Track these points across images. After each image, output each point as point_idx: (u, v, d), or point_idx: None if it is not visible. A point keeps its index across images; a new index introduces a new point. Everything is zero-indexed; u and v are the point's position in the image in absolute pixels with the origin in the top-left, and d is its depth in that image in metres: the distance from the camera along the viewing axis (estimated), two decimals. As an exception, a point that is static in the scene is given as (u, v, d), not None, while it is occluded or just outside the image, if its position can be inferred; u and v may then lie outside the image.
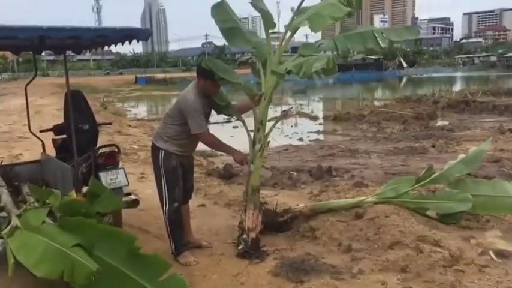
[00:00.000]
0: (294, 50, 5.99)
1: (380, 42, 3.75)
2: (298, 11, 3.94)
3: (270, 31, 3.98)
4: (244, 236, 3.86)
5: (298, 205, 4.70)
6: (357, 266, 3.57)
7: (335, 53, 3.82)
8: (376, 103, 21.13)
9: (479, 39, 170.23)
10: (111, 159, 4.29)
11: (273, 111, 10.17)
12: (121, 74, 77.16)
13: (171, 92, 32.27)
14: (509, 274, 3.36)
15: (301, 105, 21.85)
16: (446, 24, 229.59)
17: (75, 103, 4.42)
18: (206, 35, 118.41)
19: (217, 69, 3.63)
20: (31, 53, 5.32)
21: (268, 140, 3.92)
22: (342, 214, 4.46)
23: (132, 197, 4.41)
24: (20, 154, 8.57)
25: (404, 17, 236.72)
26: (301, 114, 17.08)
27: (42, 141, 4.97)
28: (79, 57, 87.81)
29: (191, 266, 3.74)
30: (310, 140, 11.69)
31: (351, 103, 22.32)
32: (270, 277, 3.48)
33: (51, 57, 73.54)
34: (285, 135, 12.14)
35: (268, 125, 3.93)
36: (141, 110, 22.74)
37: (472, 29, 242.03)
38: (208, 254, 3.99)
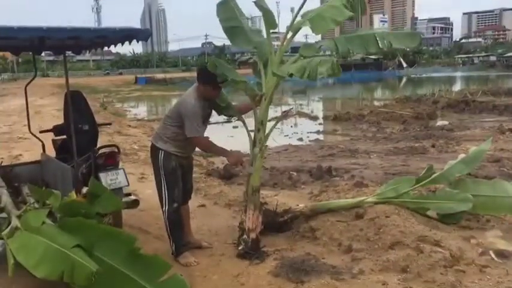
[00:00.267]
0: (294, 49, 6.01)
1: (381, 45, 3.75)
2: (303, 14, 3.93)
3: (271, 31, 3.98)
4: (245, 236, 3.86)
5: (298, 205, 4.70)
6: (357, 266, 3.56)
7: (335, 53, 3.82)
8: (376, 103, 21.13)
9: (479, 39, 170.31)
10: (111, 160, 4.29)
11: (273, 112, 10.17)
12: (121, 74, 77.16)
13: (171, 92, 32.29)
14: (510, 274, 3.36)
15: (301, 105, 21.86)
16: (445, 24, 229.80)
17: (75, 104, 4.42)
18: (206, 35, 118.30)
19: (223, 69, 3.63)
20: (31, 53, 5.32)
21: (266, 144, 3.92)
22: (342, 214, 4.46)
23: (132, 197, 4.41)
24: (20, 155, 8.57)
25: (403, 17, 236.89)
26: (301, 114, 17.08)
27: (42, 141, 4.96)
28: (79, 57, 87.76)
29: (191, 267, 3.74)
30: (310, 140, 11.68)
31: (351, 103, 22.32)
32: (270, 277, 3.47)
33: (51, 58, 73.50)
34: (285, 135, 12.14)
35: (269, 125, 3.93)
36: (141, 110, 22.74)
37: (472, 28, 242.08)
38: (208, 255, 3.98)
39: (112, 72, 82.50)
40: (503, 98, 18.77)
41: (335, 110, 19.67)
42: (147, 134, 12.02)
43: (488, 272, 3.39)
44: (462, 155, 4.91)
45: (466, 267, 3.44)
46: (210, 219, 4.95)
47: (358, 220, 4.30)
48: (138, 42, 3.84)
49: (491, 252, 3.73)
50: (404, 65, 67.99)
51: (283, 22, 4.04)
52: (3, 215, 3.59)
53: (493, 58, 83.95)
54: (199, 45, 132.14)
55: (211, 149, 4.01)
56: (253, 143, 3.88)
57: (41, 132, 5.07)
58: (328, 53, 4.36)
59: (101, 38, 3.82)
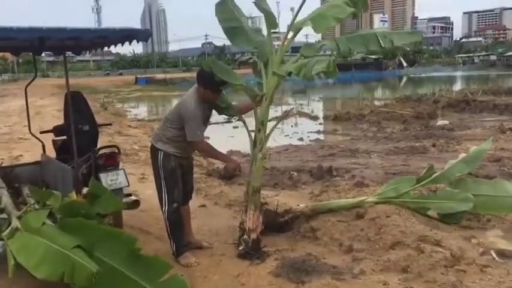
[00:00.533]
0: (294, 49, 6.00)
1: (382, 44, 3.74)
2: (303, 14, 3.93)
3: (271, 31, 3.97)
4: (245, 236, 3.86)
5: (298, 205, 4.70)
6: (358, 266, 3.56)
7: (335, 53, 3.82)
8: (376, 103, 21.11)
9: (479, 39, 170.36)
10: (111, 160, 4.29)
11: (274, 112, 10.16)
12: (121, 74, 77.23)
13: (171, 93, 32.29)
14: (511, 274, 3.35)
15: (301, 105, 21.84)
16: (446, 24, 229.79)
17: (75, 104, 4.42)
18: (206, 35, 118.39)
19: (219, 70, 3.61)
20: (31, 54, 5.32)
21: (268, 146, 3.92)
22: (342, 214, 4.45)
23: (133, 197, 4.41)
24: (20, 155, 8.57)
25: (404, 17, 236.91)
26: (301, 114, 17.06)
27: (42, 142, 4.96)
28: (79, 58, 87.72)
29: (192, 267, 3.74)
30: (310, 140, 11.67)
31: (351, 103, 22.30)
32: (271, 278, 3.47)
33: (51, 58, 73.59)
34: (286, 135, 12.12)
35: (269, 125, 3.93)
36: (141, 111, 22.72)
37: (472, 28, 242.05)
38: (209, 255, 3.98)
39: (112, 72, 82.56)
40: (503, 97, 18.74)
41: (335, 109, 19.66)
42: (148, 134, 12.01)
43: (489, 272, 3.38)
44: (463, 155, 4.90)
45: (467, 267, 3.44)
46: (210, 219, 4.94)
47: (359, 220, 4.29)
48: (138, 42, 3.84)
49: (492, 252, 3.73)
50: (405, 64, 67.94)
51: (284, 22, 4.03)
52: (4, 215, 3.59)
53: (493, 57, 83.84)
54: (200, 45, 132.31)
55: (211, 154, 4.02)
56: (254, 143, 3.88)
57: (41, 132, 5.07)
58: (328, 52, 4.36)
59: (101, 38, 3.82)
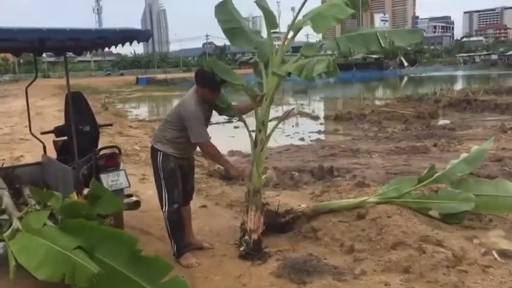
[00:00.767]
0: (295, 49, 6.00)
1: (383, 44, 3.73)
2: (304, 14, 3.92)
3: (272, 31, 3.96)
4: (246, 237, 3.85)
5: (300, 206, 4.69)
6: (360, 266, 3.55)
7: (336, 53, 3.82)
8: (377, 102, 21.10)
9: (480, 38, 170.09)
10: (112, 161, 4.29)
11: (275, 112, 10.15)
12: (122, 74, 77.31)
13: (172, 93, 32.30)
14: (513, 274, 3.34)
15: (302, 105, 21.82)
16: (447, 23, 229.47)
17: (76, 105, 4.41)
18: (207, 35, 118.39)
19: (219, 70, 3.61)
20: (32, 54, 5.32)
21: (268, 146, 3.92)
22: (344, 214, 4.44)
23: (134, 198, 4.41)
24: (21, 156, 8.58)
25: (404, 16, 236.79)
26: (302, 114, 17.05)
27: (43, 143, 4.96)
28: (80, 58, 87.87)
29: (193, 268, 3.73)
30: (311, 140, 11.66)
31: (352, 103, 22.28)
32: (272, 278, 3.47)
33: (52, 59, 73.58)
34: (287, 135, 12.12)
35: (270, 125, 3.92)
36: (142, 111, 22.73)
37: (473, 27, 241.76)
38: (210, 256, 3.97)
39: (113, 72, 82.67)
40: (504, 97, 18.70)
41: (336, 109, 19.64)
42: (149, 134, 12.01)
43: (491, 272, 3.37)
44: (464, 155, 4.88)
45: (469, 268, 3.43)
46: (211, 220, 4.94)
47: (360, 220, 4.28)
48: (138, 43, 3.83)
49: (494, 252, 3.72)
50: (406, 64, 67.86)
51: (284, 22, 4.03)
52: (5, 216, 3.59)
53: (494, 57, 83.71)
54: (200, 45, 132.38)
55: (215, 158, 4.00)
56: (255, 144, 3.87)
57: (42, 133, 5.07)
58: (329, 52, 4.35)
59: (101, 39, 3.82)
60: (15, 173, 4.70)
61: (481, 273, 3.36)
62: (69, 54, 4.82)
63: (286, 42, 3.96)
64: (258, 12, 4.04)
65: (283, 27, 4.00)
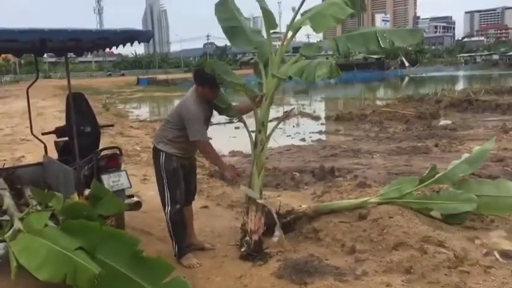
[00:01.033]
0: (295, 49, 5.99)
1: (382, 44, 3.72)
2: (303, 13, 3.91)
3: (271, 31, 3.96)
4: (247, 238, 3.85)
5: (301, 206, 4.68)
6: (361, 267, 3.55)
7: (336, 54, 3.82)
8: (379, 103, 21.07)
9: (481, 38, 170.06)
10: (113, 162, 4.29)
11: (275, 112, 10.14)
12: (123, 75, 77.34)
13: (173, 93, 32.30)
14: (515, 275, 3.33)
15: (303, 105, 21.81)
16: (448, 23, 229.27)
17: (77, 105, 4.42)
18: (207, 36, 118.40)
19: (220, 71, 3.61)
20: (33, 55, 5.32)
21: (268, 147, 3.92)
22: (345, 215, 4.44)
23: (135, 199, 4.41)
24: (23, 156, 8.59)
25: (405, 16, 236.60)
26: (303, 115, 17.05)
27: (44, 143, 4.96)
28: (81, 58, 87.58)
29: (194, 268, 3.73)
30: (312, 140, 11.65)
31: (353, 103, 22.26)
32: (273, 279, 3.46)
33: (53, 59, 73.62)
34: (287, 136, 12.12)
35: (270, 125, 3.92)
36: (143, 111, 22.74)
37: (474, 27, 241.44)
38: (211, 256, 3.97)
39: (114, 73, 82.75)
40: (506, 97, 18.67)
41: (337, 109, 19.63)
42: (150, 135, 12.01)
43: (492, 273, 3.36)
44: (465, 155, 4.88)
45: (471, 268, 3.42)
46: (212, 220, 4.94)
47: (361, 221, 4.28)
48: (139, 43, 3.83)
49: (495, 253, 3.71)
50: (407, 64, 67.77)
51: (285, 22, 4.02)
52: (6, 217, 3.59)
53: (495, 57, 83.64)
54: (201, 45, 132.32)
55: (211, 157, 4.01)
56: (255, 144, 3.87)
57: (43, 134, 5.07)
58: (330, 52, 4.36)
59: (102, 39, 3.82)
60: (17, 173, 4.71)
61: (483, 274, 3.35)
62: (70, 54, 4.82)
63: (285, 43, 3.96)
64: (259, 12, 4.03)
65: (284, 28, 3.99)
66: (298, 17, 3.94)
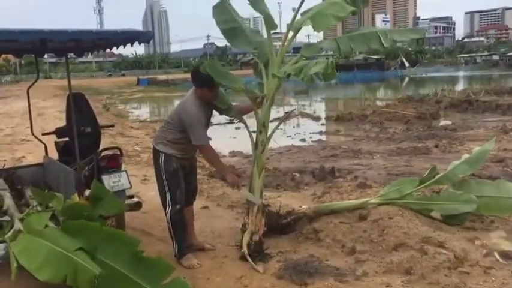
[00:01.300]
0: (296, 50, 5.99)
1: (383, 43, 3.72)
2: (303, 13, 3.91)
3: (271, 31, 3.96)
4: (248, 238, 3.84)
5: (301, 207, 4.69)
6: (361, 268, 3.55)
7: (337, 53, 3.83)
8: (379, 103, 21.06)
9: (482, 38, 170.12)
10: (113, 162, 4.29)
11: (276, 112, 10.13)
12: (123, 75, 77.35)
13: (173, 93, 32.30)
14: (515, 275, 3.33)
15: (303, 105, 21.81)
16: (448, 24, 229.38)
17: (77, 106, 4.42)
18: (208, 36, 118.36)
19: (217, 74, 3.59)
20: (33, 55, 5.33)
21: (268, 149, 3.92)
22: (345, 216, 4.44)
23: (135, 199, 4.41)
24: (23, 157, 8.59)
25: (406, 17, 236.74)
26: (303, 115, 17.04)
27: (44, 144, 4.96)
28: (81, 59, 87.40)
29: (194, 269, 3.73)
30: (312, 141, 11.65)
31: (353, 103, 22.25)
32: (273, 280, 3.46)
33: (53, 60, 73.71)
34: (288, 136, 12.11)
35: (271, 126, 3.92)
36: (143, 112, 22.73)
37: (474, 28, 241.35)
38: (211, 257, 3.97)
39: (114, 73, 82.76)
40: (506, 98, 18.67)
41: (337, 110, 19.65)
42: (150, 135, 12.01)
43: (492, 274, 3.36)
44: (466, 155, 4.88)
45: (471, 269, 3.42)
46: (212, 221, 4.94)
47: (362, 221, 4.28)
48: (140, 44, 3.83)
49: (495, 254, 3.71)
50: (407, 64, 67.77)
51: (286, 22, 4.02)
52: (6, 217, 3.59)
53: (495, 57, 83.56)
54: (202, 46, 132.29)
55: (214, 162, 4.02)
56: (255, 145, 3.87)
57: (43, 134, 5.08)
58: (330, 52, 4.37)
59: (102, 40, 3.83)
60: (17, 174, 4.71)
61: (483, 275, 3.36)
62: (71, 55, 4.83)
63: (286, 43, 3.96)
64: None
65: (284, 28, 3.99)
66: (299, 16, 3.94)
